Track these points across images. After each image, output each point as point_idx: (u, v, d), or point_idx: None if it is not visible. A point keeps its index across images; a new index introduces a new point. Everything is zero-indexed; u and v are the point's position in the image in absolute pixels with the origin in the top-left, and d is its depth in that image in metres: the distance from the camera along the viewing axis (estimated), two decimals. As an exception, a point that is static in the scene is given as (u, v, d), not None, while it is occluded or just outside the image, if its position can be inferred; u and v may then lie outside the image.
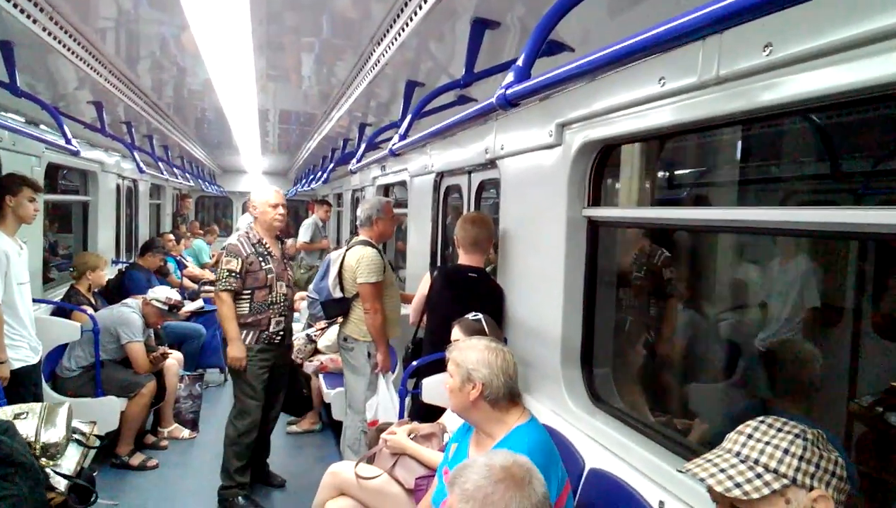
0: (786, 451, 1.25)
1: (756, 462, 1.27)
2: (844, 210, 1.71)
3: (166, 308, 5.43)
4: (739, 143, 3.36)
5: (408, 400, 3.84)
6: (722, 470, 1.29)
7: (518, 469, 1.73)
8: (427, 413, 3.54)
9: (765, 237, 3.75)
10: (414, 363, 3.71)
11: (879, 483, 2.53)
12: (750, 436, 1.31)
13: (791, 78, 1.64)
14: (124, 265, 7.82)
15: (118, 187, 8.20)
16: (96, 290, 5.91)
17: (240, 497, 4.32)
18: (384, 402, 4.08)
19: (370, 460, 3.23)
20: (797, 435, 1.26)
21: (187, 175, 11.24)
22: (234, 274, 4.13)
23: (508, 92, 1.81)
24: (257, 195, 4.39)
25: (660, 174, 3.70)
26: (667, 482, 2.15)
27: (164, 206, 12.29)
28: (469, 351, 2.39)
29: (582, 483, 2.51)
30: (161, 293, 5.45)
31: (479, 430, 2.45)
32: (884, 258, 3.07)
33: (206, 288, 8.46)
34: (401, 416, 3.79)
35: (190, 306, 7.46)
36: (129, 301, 5.39)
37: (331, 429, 5.76)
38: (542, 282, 3.17)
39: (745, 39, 1.74)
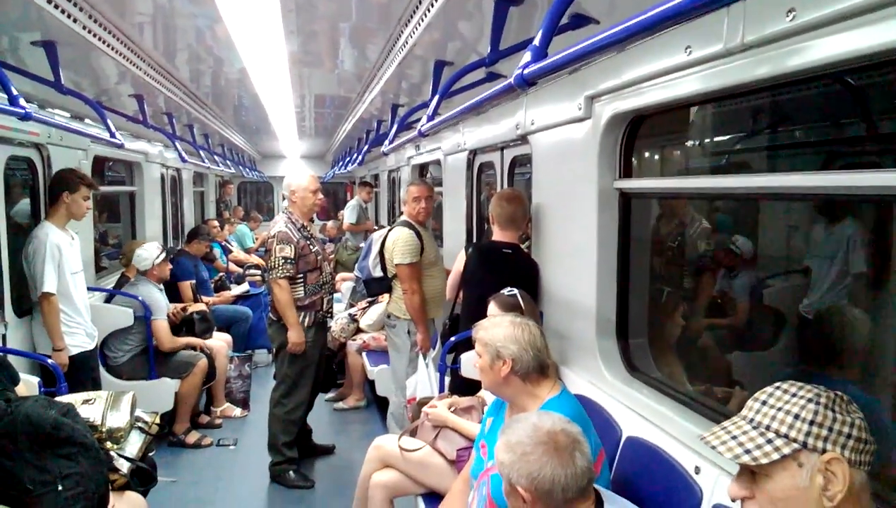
0: (796, 416, 1.25)
1: (767, 427, 1.27)
2: (883, 173, 1.69)
3: (163, 254, 5.43)
4: (771, 109, 3.30)
5: (447, 375, 3.92)
6: (734, 437, 1.31)
7: (564, 437, 1.77)
8: (466, 386, 3.60)
9: (808, 201, 3.68)
10: (452, 339, 3.78)
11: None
12: (764, 402, 1.31)
13: (816, 42, 1.62)
14: (172, 252, 8.06)
15: (162, 176, 8.42)
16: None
17: (291, 472, 4.49)
18: (422, 380, 4.17)
19: (413, 433, 3.33)
20: (810, 400, 1.26)
21: (228, 162, 11.46)
22: (289, 260, 4.24)
23: (526, 72, 1.82)
24: (295, 181, 4.47)
25: (690, 143, 3.65)
26: (703, 448, 2.16)
27: (208, 193, 12.57)
28: (495, 329, 2.43)
29: (619, 451, 2.54)
30: (148, 253, 5.34)
31: (512, 405, 2.50)
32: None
33: (251, 271, 8.67)
34: (441, 390, 3.88)
35: (236, 290, 7.68)
36: (133, 280, 5.35)
37: (376, 405, 5.90)
38: (575, 256, 3.19)
39: (769, 5, 1.72)
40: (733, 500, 1.37)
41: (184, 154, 7.59)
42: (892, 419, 2.43)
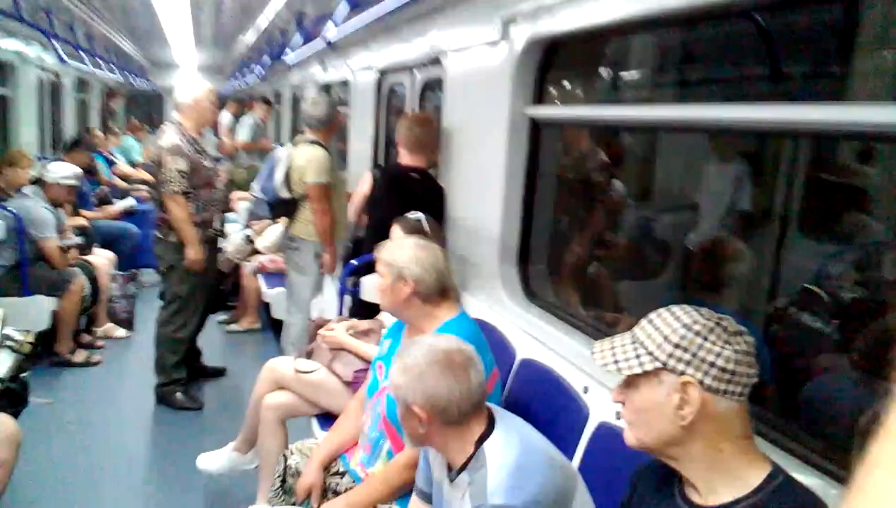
0: (665, 337, 1.31)
1: (641, 344, 1.34)
2: (782, 106, 1.75)
3: (75, 182, 5.25)
4: (683, 44, 3.37)
5: (347, 297, 3.86)
6: (612, 348, 1.38)
7: (459, 355, 1.78)
8: (366, 310, 3.57)
9: (702, 142, 3.82)
10: (353, 261, 3.71)
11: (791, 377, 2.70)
12: (650, 321, 1.37)
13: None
14: (49, 162, 7.43)
15: (40, 81, 7.67)
16: (19, 188, 5.61)
17: (178, 393, 4.35)
18: (330, 301, 4.10)
19: (309, 355, 3.27)
20: (684, 325, 1.31)
21: (115, 68, 10.58)
22: (183, 174, 3.99)
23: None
24: (190, 90, 4.18)
25: (603, 72, 3.68)
26: (592, 370, 2.25)
27: (91, 102, 11.59)
28: (399, 250, 2.41)
29: (514, 372, 2.61)
30: (62, 169, 5.17)
31: (411, 327, 2.50)
32: (817, 159, 3.17)
33: (138, 186, 8.16)
34: (339, 313, 3.83)
35: (121, 204, 7.21)
36: (27, 190, 5.02)
37: (270, 328, 5.78)
38: (483, 182, 3.17)
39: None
40: (614, 402, 1.44)
41: (64, 55, 6.90)
42: (765, 341, 2.61)
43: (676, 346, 1.29)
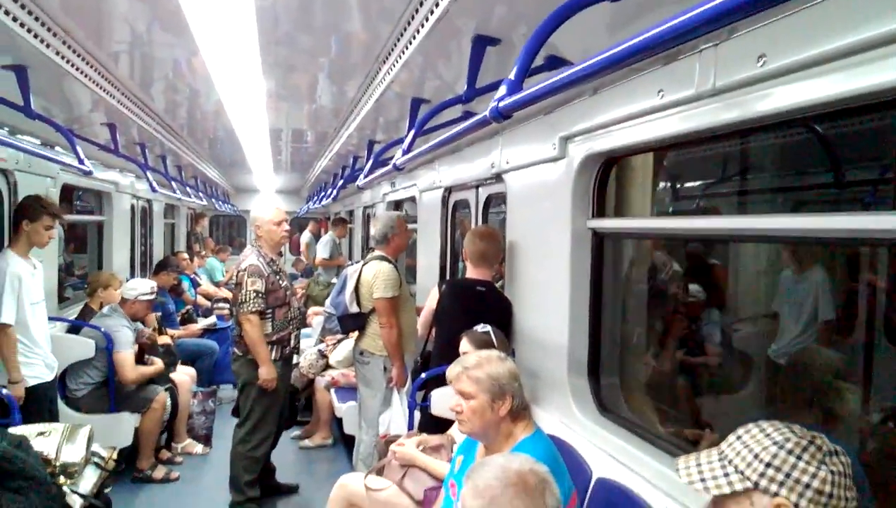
0: (756, 456, 1.26)
1: (730, 461, 1.29)
2: (851, 215, 1.73)
3: (152, 296, 5.43)
4: (742, 154, 3.38)
5: (417, 412, 3.85)
6: (698, 465, 1.33)
7: (533, 477, 1.72)
8: (436, 424, 3.55)
9: (778, 247, 3.75)
10: (423, 375, 3.73)
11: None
12: (739, 437, 1.33)
13: (785, 88, 1.67)
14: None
15: (132, 207, 8.30)
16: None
17: (252, 511, 4.35)
18: (398, 416, 4.10)
19: (380, 472, 3.25)
20: (776, 442, 1.25)
21: (201, 194, 11.35)
22: (260, 294, 4.16)
23: (500, 104, 1.85)
24: (260, 214, 4.42)
25: (663, 185, 3.71)
26: (675, 490, 2.15)
27: (179, 225, 12.42)
28: (492, 365, 2.33)
29: (589, 493, 2.50)
30: (140, 286, 5.41)
31: (488, 446, 2.41)
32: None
33: (220, 305, 8.54)
34: (410, 428, 3.81)
35: (203, 323, 7.54)
36: (106, 311, 5.27)
37: (343, 444, 5.77)
38: (548, 294, 3.19)
39: (740, 51, 1.77)
40: None
41: (155, 185, 7.49)
42: (863, 462, 2.44)
43: (768, 465, 1.23)
